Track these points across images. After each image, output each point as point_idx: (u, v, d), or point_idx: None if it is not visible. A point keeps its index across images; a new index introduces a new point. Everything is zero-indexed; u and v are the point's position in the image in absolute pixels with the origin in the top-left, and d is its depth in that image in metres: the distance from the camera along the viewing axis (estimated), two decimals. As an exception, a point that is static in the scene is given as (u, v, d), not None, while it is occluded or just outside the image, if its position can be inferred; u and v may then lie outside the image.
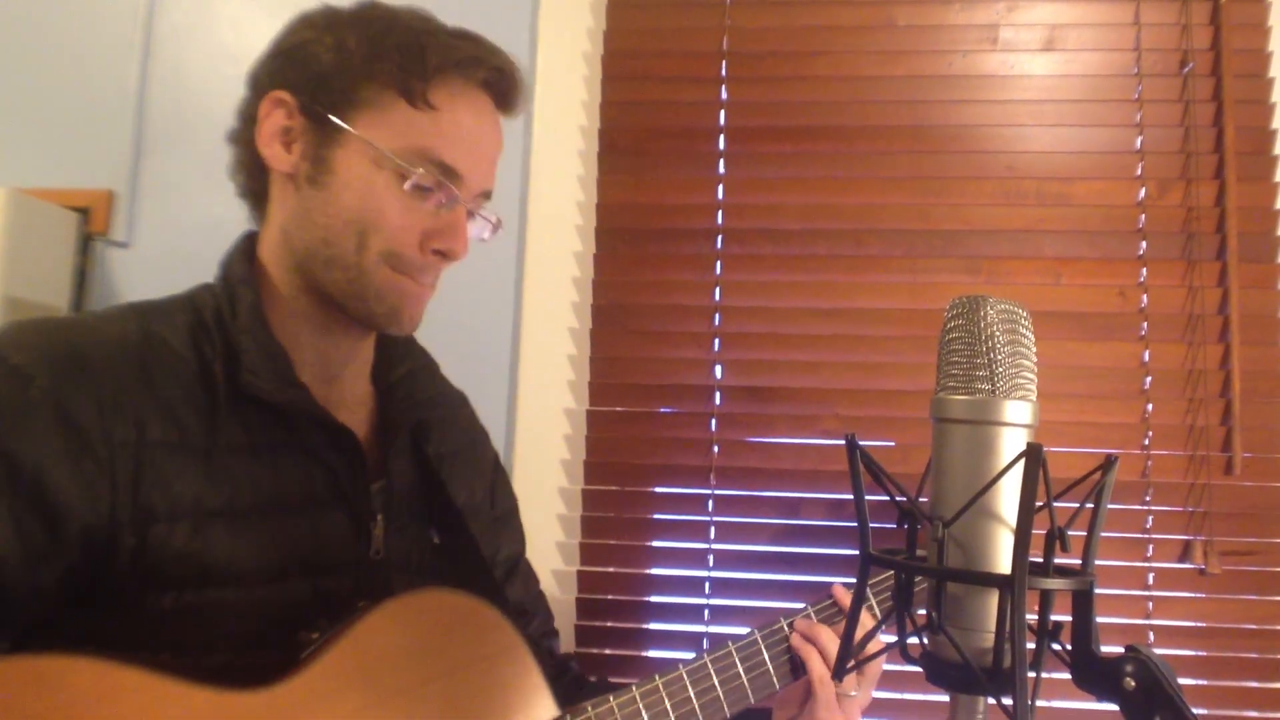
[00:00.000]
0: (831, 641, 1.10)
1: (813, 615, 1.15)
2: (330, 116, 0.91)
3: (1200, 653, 1.51)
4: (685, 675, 1.05)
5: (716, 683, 1.06)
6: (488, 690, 0.92)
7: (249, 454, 0.89)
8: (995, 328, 0.67)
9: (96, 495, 0.79)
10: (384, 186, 0.91)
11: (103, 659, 0.74)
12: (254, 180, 0.98)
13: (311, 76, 0.92)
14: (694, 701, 1.04)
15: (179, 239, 1.71)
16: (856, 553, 0.71)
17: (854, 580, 1.11)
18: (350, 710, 0.83)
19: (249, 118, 0.95)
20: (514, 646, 0.95)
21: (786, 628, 1.13)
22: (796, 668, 1.12)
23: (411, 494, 1.05)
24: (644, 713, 1.01)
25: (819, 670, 1.09)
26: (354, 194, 0.91)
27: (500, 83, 0.98)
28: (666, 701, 1.03)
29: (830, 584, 1.20)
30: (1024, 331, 0.68)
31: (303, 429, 0.93)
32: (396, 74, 0.91)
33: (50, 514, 0.77)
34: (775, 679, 1.11)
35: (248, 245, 0.99)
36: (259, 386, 0.88)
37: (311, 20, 0.96)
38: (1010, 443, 0.65)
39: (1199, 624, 1.52)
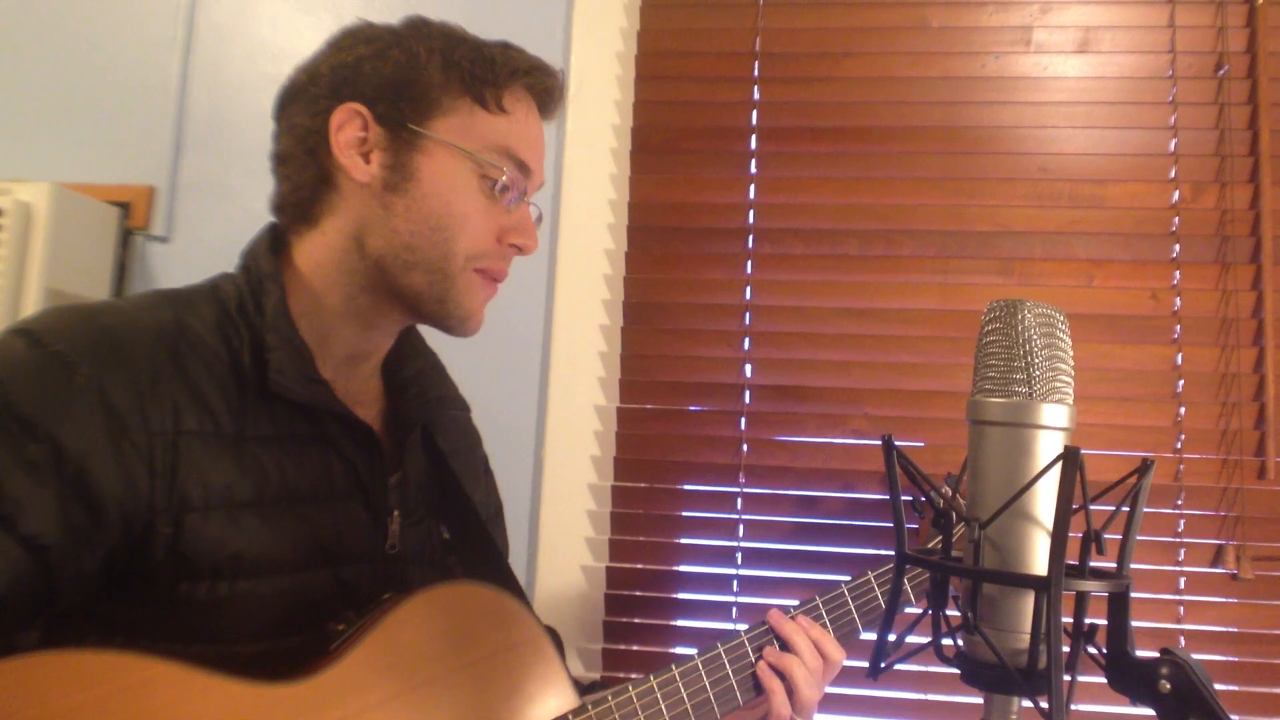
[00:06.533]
0: (805, 682, 1.07)
1: (746, 642, 1.11)
2: (411, 125, 0.94)
3: (1232, 658, 1.51)
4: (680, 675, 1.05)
5: (706, 685, 1.06)
6: (513, 679, 0.94)
7: (275, 445, 0.90)
8: (1033, 331, 0.67)
9: (135, 482, 0.80)
10: (467, 188, 0.96)
11: (141, 654, 0.75)
12: (310, 192, 0.97)
13: (385, 87, 0.95)
14: (708, 691, 1.05)
15: (218, 234, 1.73)
16: (886, 552, 0.71)
17: (795, 603, 1.12)
18: (382, 699, 0.85)
19: (307, 131, 0.96)
20: (537, 638, 0.97)
21: (751, 650, 1.11)
22: (758, 685, 1.09)
23: (424, 489, 1.08)
24: (661, 702, 1.02)
25: (781, 706, 1.07)
26: (439, 198, 0.95)
27: (551, 91, 1.04)
28: (683, 690, 1.04)
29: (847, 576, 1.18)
30: (1061, 335, 0.69)
31: (324, 423, 0.94)
32: (471, 82, 0.96)
33: (93, 501, 0.78)
34: (740, 696, 1.08)
35: (271, 240, 0.99)
36: (284, 385, 0.90)
37: (365, 35, 0.98)
38: (1047, 445, 0.66)
39: (1231, 629, 1.51)
